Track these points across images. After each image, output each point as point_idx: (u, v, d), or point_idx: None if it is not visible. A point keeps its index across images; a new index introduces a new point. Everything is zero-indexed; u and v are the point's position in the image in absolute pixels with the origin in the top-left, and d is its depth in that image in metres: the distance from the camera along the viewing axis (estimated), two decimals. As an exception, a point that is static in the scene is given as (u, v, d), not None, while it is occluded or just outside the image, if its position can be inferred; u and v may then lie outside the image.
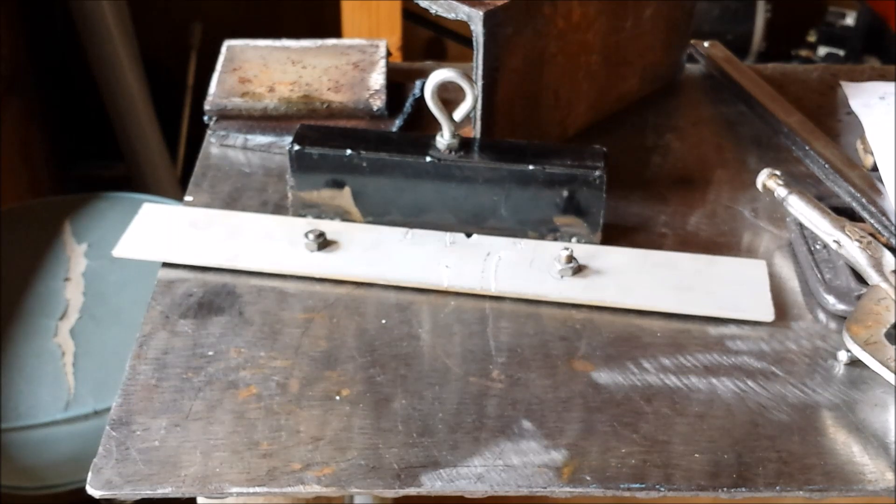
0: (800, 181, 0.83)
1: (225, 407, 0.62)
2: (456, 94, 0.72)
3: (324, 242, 0.74)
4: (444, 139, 0.74)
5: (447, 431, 0.61)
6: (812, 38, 1.84)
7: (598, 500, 0.64)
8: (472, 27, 0.72)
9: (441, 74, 0.70)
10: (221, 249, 0.74)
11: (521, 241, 0.75)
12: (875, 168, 0.83)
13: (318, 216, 0.78)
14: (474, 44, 0.73)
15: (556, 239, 0.76)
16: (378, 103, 0.88)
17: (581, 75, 0.86)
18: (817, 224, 0.73)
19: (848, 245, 0.71)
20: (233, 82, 0.90)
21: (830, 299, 0.70)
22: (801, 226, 0.75)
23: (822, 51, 1.83)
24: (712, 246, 0.77)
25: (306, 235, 0.74)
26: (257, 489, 0.57)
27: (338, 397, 0.63)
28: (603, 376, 0.65)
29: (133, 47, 1.82)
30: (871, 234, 0.72)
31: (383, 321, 0.69)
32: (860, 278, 0.70)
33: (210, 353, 0.66)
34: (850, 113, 0.93)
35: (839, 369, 0.66)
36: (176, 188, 1.90)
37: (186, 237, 0.75)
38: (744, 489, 0.58)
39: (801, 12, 1.88)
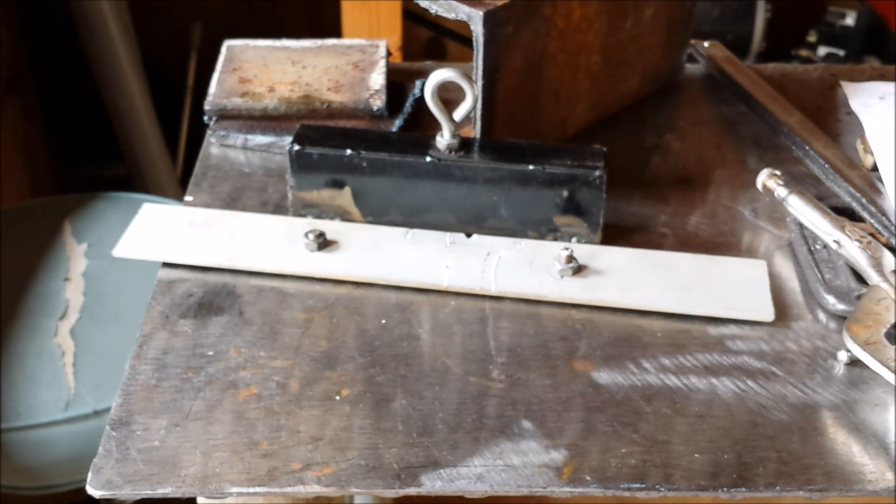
0: (800, 181, 0.83)
1: (225, 407, 0.62)
2: (456, 94, 0.72)
3: (324, 242, 0.74)
4: (444, 139, 0.74)
5: (447, 431, 0.61)
6: (812, 38, 1.84)
7: (598, 500, 0.64)
8: (472, 27, 0.72)
9: (441, 74, 0.70)
10: (221, 249, 0.74)
11: (521, 241, 0.75)
12: (875, 168, 0.83)
13: (318, 216, 0.78)
14: (474, 44, 0.73)
15: (556, 239, 0.76)
16: (378, 103, 0.88)
17: (581, 75, 0.86)
18: (817, 224, 0.73)
19: (848, 245, 0.71)
20: (233, 82, 0.90)
21: (830, 299, 0.70)
22: (801, 226, 0.75)
23: (822, 51, 1.83)
24: (712, 246, 0.77)
25: (306, 235, 0.74)
26: (257, 489, 0.57)
27: (338, 397, 0.63)
28: (603, 376, 0.65)
29: (133, 47, 1.82)
30: (871, 234, 0.72)
31: (383, 321, 0.69)
32: (860, 278, 0.70)
33: (210, 353, 0.66)
34: (850, 113, 0.93)
35: (839, 369, 0.66)
36: (176, 188, 1.90)
37: (186, 237, 0.75)
38: (744, 489, 0.58)
39: (801, 12, 1.88)
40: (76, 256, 1.21)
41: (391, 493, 0.58)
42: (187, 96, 1.90)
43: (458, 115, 0.73)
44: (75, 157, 2.03)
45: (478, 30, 0.72)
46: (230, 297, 0.71)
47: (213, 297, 0.71)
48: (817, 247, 0.74)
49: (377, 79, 0.90)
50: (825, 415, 0.62)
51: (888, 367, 0.62)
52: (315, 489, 0.57)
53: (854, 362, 0.65)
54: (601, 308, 0.70)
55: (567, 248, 0.72)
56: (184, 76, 1.91)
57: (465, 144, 0.74)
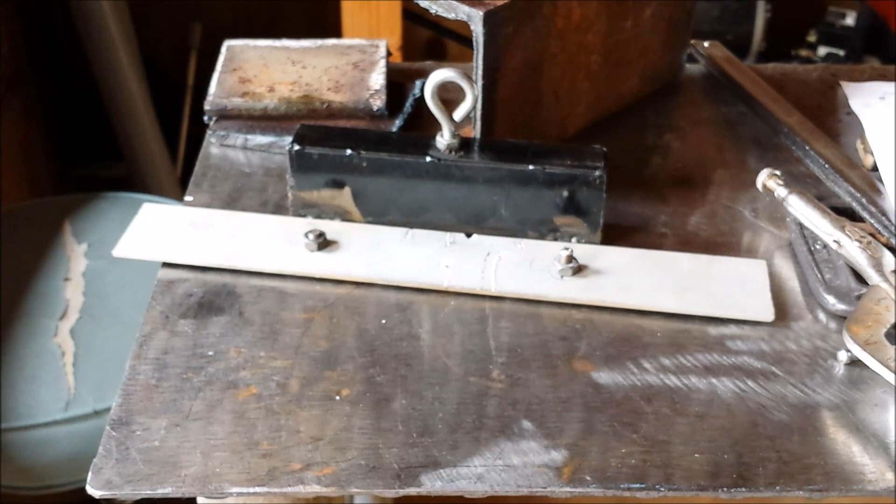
0: (800, 181, 0.83)
1: (225, 407, 0.62)
2: (456, 94, 0.72)
3: (324, 242, 0.74)
4: (444, 139, 0.74)
5: (447, 431, 0.61)
6: (812, 38, 1.84)
7: (598, 500, 0.64)
8: (472, 27, 0.72)
9: (441, 74, 0.70)
10: (221, 249, 0.74)
11: (521, 241, 0.75)
12: (875, 168, 0.83)
13: (318, 216, 0.78)
14: (474, 44, 0.73)
15: (556, 239, 0.76)
16: (378, 103, 0.88)
17: (581, 75, 0.86)
18: (817, 224, 0.73)
19: (848, 245, 0.71)
20: (233, 82, 0.90)
21: (830, 299, 0.70)
22: (801, 226, 0.75)
23: (822, 51, 1.83)
24: (712, 246, 0.77)
25: (306, 235, 0.74)
26: (257, 489, 0.57)
27: (338, 397, 0.63)
28: (603, 376, 0.65)
29: (133, 47, 1.83)
30: (871, 234, 0.72)
31: (383, 321, 0.69)
32: (860, 278, 0.70)
33: (210, 353, 0.66)
34: (850, 113, 0.93)
35: (839, 369, 0.66)
36: (176, 188, 1.90)
37: (186, 237, 0.75)
38: (744, 489, 0.58)
39: (801, 12, 1.88)
40: (76, 256, 1.21)
41: (391, 493, 0.58)
42: (187, 96, 1.90)
43: (458, 115, 0.73)
44: (75, 157, 2.03)
45: (478, 30, 0.72)
46: (230, 297, 0.71)
47: (213, 297, 0.71)
48: (817, 247, 0.74)
49: (377, 79, 0.90)
50: (825, 415, 0.62)
51: (888, 367, 0.62)
52: (315, 489, 0.57)
53: (854, 362, 0.65)
54: (601, 308, 0.70)
55: (567, 248, 0.72)
56: (184, 76, 1.91)
57: (465, 144, 0.74)
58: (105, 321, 1.13)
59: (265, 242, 0.75)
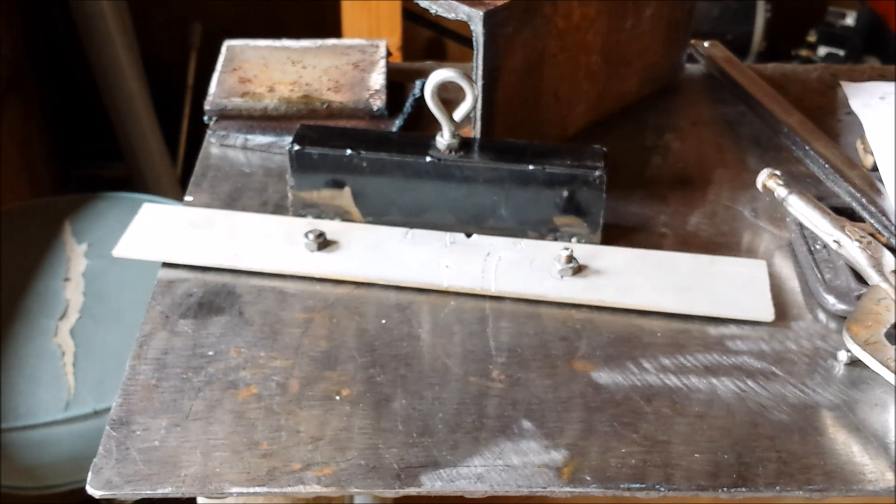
0: (800, 181, 0.83)
1: (225, 407, 0.62)
2: (456, 94, 0.72)
3: (324, 242, 0.74)
4: (444, 139, 0.74)
5: (447, 431, 0.61)
6: (812, 38, 1.84)
7: (598, 500, 0.64)
8: (472, 27, 0.73)
9: (441, 74, 0.70)
10: (221, 249, 0.74)
11: (521, 241, 0.75)
12: (875, 168, 0.83)
13: (318, 216, 0.78)
14: (474, 44, 0.73)
15: (556, 239, 0.76)
16: (378, 103, 0.88)
17: (581, 75, 0.86)
18: (817, 224, 0.73)
19: (848, 245, 0.71)
20: (233, 82, 0.90)
21: (830, 299, 0.70)
22: (801, 226, 0.75)
23: (822, 51, 1.83)
24: (712, 246, 0.77)
25: (306, 235, 0.74)
26: (257, 489, 0.57)
27: (338, 397, 0.63)
28: (603, 376, 0.65)
29: (133, 47, 1.82)
30: (871, 234, 0.72)
31: (383, 321, 0.69)
32: (860, 278, 0.70)
33: (210, 353, 0.66)
34: (850, 113, 0.93)
35: (839, 369, 0.66)
36: (176, 188, 1.90)
37: (186, 237, 0.75)
38: (744, 489, 0.58)
39: (801, 12, 1.88)
40: (76, 256, 1.21)
41: (391, 493, 0.58)
42: (187, 96, 1.90)
43: (458, 115, 0.73)
44: (75, 157, 2.04)
45: (478, 30, 0.72)
46: (230, 297, 0.71)
47: (213, 297, 0.71)
48: (817, 247, 0.74)
49: (377, 79, 0.90)
50: (825, 415, 0.62)
51: (888, 367, 0.62)
52: (315, 489, 0.57)
53: (854, 362, 0.65)
54: (601, 308, 0.70)
55: (567, 248, 0.72)
56: (184, 76, 1.91)
57: (465, 144, 0.74)
58: (105, 321, 1.13)
59: (265, 242, 0.75)
